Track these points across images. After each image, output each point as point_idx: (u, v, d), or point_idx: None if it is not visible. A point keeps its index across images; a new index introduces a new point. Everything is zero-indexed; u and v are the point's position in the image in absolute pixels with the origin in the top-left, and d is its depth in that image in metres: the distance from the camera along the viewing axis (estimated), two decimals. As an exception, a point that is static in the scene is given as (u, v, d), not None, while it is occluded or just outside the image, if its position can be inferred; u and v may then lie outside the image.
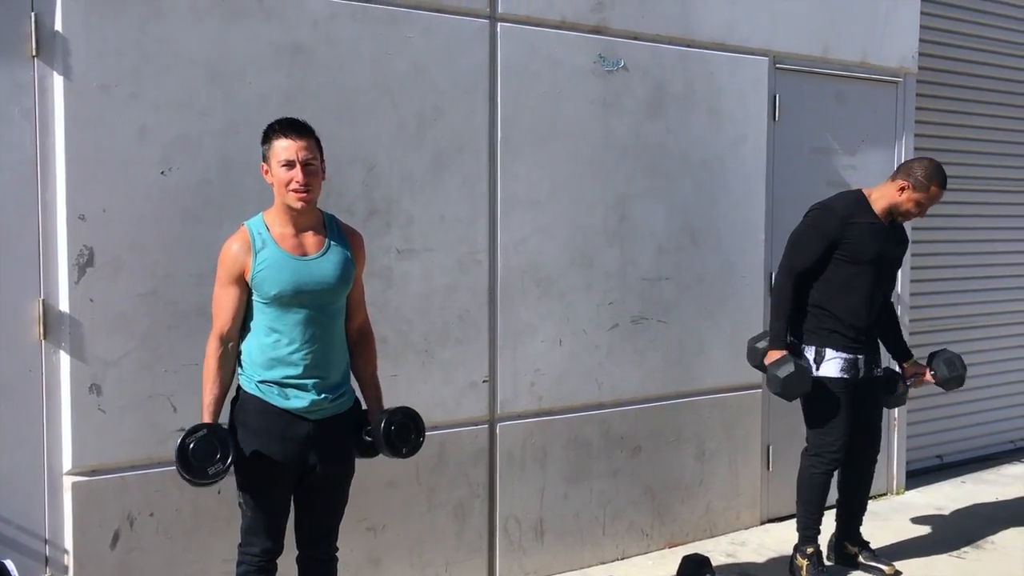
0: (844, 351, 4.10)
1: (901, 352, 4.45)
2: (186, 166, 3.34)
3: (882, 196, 4.13)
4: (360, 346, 3.10)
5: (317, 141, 2.91)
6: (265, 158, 2.89)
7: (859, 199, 4.14)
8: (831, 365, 4.09)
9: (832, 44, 5.10)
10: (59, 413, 3.21)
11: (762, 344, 4.24)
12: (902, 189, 4.07)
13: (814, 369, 4.11)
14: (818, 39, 5.05)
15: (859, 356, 4.13)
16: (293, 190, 2.82)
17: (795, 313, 4.17)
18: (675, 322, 4.60)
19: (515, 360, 4.12)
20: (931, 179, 4.06)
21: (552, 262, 4.21)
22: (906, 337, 5.46)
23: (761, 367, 4.26)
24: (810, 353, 4.14)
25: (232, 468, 2.80)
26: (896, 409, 5.56)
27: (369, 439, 3.05)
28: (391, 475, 3.83)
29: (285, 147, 2.83)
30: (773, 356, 4.11)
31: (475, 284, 4.00)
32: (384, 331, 3.63)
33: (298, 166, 2.82)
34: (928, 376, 4.38)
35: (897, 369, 4.46)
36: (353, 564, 3.71)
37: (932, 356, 4.44)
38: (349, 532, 3.47)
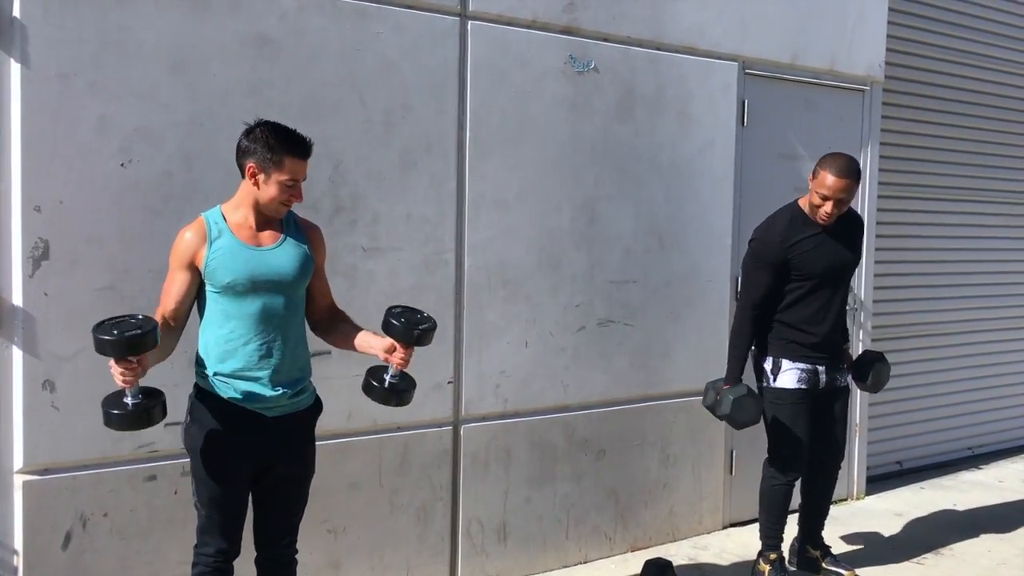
0: (802, 361, 4.07)
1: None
2: (146, 158, 3.27)
3: (807, 199, 4.09)
4: (336, 318, 3.07)
5: None
6: (262, 164, 2.80)
7: (794, 214, 4.08)
8: (788, 376, 4.07)
9: (801, 51, 5.13)
10: (10, 410, 3.12)
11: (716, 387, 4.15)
12: (811, 182, 4.03)
13: (771, 380, 4.10)
14: (787, 46, 5.07)
15: (819, 367, 4.10)
16: (284, 204, 2.85)
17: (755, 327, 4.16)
18: (641, 325, 4.59)
19: (480, 362, 4.08)
20: (823, 166, 3.96)
21: (519, 263, 4.18)
22: (867, 343, 5.53)
23: (713, 409, 4.16)
24: (768, 364, 4.12)
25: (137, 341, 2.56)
26: (858, 415, 5.61)
27: (393, 379, 2.91)
28: (353, 477, 3.77)
29: (295, 169, 2.82)
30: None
31: (441, 284, 3.96)
32: (348, 330, 3.57)
33: (298, 185, 2.84)
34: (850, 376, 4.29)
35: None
36: (313, 567, 3.65)
37: (860, 361, 4.36)
38: (309, 534, 3.41)
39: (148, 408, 2.64)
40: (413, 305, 3.05)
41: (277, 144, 2.80)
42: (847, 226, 4.17)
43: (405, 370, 2.93)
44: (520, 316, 4.19)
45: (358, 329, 3.02)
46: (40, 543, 3.16)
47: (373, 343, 2.94)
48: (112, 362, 2.56)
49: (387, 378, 2.93)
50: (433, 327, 2.92)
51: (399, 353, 2.88)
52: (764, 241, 4.07)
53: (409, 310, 2.95)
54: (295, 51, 3.55)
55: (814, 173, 4.01)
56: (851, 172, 3.96)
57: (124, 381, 2.58)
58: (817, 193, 3.97)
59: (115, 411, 2.62)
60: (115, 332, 2.52)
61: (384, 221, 3.79)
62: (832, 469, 4.33)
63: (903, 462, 6.23)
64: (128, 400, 2.62)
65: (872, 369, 4.29)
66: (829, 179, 3.93)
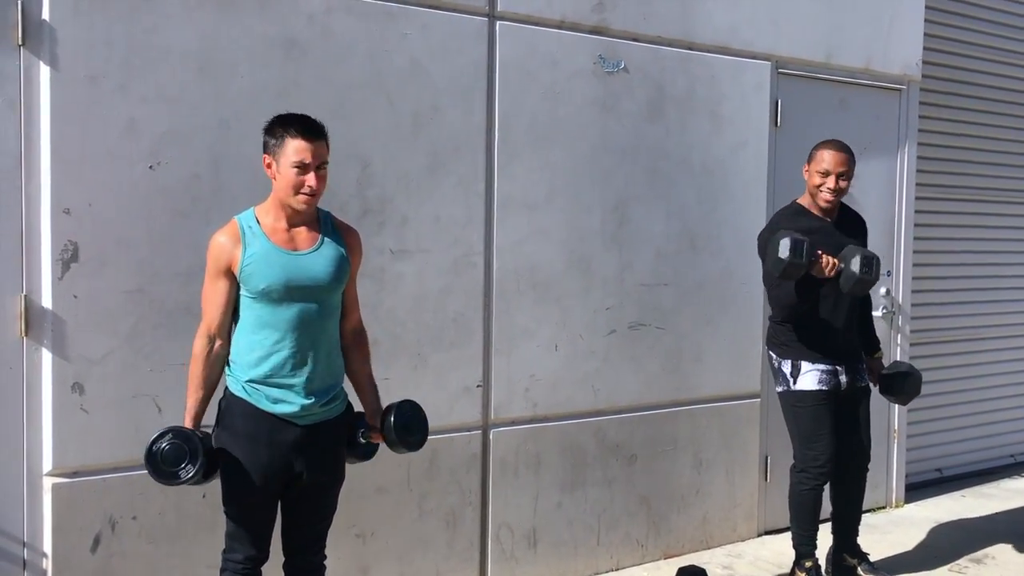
0: (821, 363, 4.00)
1: (868, 344, 4.31)
2: (175, 161, 3.27)
3: (807, 193, 4.07)
4: (355, 348, 3.02)
5: (327, 142, 2.83)
6: (270, 152, 2.77)
7: (796, 210, 4.05)
8: (808, 378, 3.99)
9: (835, 50, 5.05)
10: (40, 412, 3.13)
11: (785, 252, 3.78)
12: (806, 172, 4.03)
13: (792, 383, 4.03)
14: (821, 44, 4.99)
15: (838, 367, 4.03)
16: (303, 193, 2.75)
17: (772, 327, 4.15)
18: (673, 329, 4.52)
19: (510, 365, 4.04)
20: (817, 148, 3.99)
21: (549, 265, 4.13)
22: (905, 348, 5.43)
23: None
24: (787, 367, 4.05)
25: (205, 472, 2.75)
26: (896, 422, 5.50)
27: (364, 441, 3.00)
28: (381, 481, 3.74)
29: (299, 149, 2.72)
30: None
31: (470, 286, 3.93)
32: (376, 333, 3.54)
33: (312, 171, 2.74)
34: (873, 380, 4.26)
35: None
36: (341, 572, 3.62)
37: (888, 373, 4.31)
38: (337, 539, 3.38)
39: (200, 477, 2.76)
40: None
41: (279, 127, 2.76)
42: (852, 222, 4.16)
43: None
44: (550, 319, 4.14)
45: (371, 383, 3.05)
46: (69, 546, 3.16)
47: (366, 403, 3.04)
48: None
49: (360, 436, 3.01)
50: (412, 450, 3.04)
51: (375, 433, 3.00)
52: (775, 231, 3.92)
53: (416, 415, 3.02)
54: (322, 53, 3.53)
55: (809, 158, 4.02)
56: (848, 148, 4.00)
57: None
58: (817, 172, 3.97)
59: (167, 480, 2.75)
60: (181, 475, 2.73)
61: (412, 223, 3.77)
62: (861, 472, 4.23)
63: (943, 469, 6.10)
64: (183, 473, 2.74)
65: (902, 382, 4.22)
66: (827, 155, 3.97)
